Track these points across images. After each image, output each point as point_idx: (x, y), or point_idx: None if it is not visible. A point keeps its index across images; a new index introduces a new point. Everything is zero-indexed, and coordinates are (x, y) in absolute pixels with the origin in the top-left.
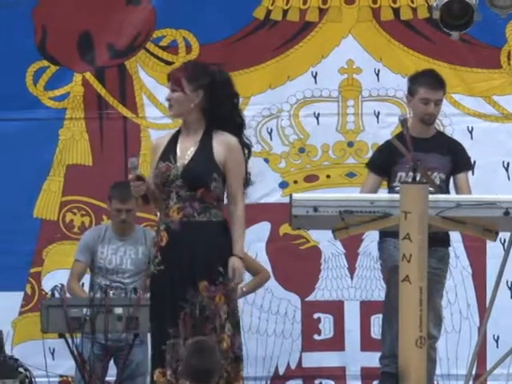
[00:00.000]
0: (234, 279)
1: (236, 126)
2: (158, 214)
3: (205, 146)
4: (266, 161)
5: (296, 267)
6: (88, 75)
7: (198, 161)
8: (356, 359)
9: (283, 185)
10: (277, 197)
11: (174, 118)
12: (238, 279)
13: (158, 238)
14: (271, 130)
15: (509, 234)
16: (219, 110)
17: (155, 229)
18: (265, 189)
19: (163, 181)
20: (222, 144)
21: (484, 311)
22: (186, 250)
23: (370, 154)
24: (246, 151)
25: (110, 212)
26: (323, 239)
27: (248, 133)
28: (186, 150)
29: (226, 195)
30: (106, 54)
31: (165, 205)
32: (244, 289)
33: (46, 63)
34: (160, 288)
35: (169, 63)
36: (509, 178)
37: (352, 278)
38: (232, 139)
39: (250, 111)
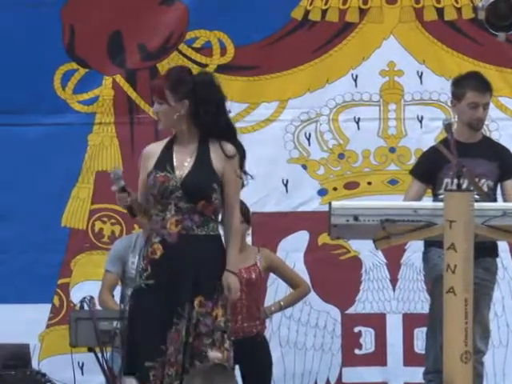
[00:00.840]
0: (229, 296)
1: (227, 130)
2: (151, 225)
3: (203, 156)
4: (304, 167)
5: (335, 278)
6: (118, 78)
7: (198, 171)
8: (398, 374)
9: (322, 192)
10: (315, 205)
11: None
12: (234, 296)
13: (149, 251)
14: (309, 135)
15: None
16: (205, 115)
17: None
18: (303, 196)
19: (161, 192)
20: (220, 153)
21: None
22: (182, 264)
23: (412, 161)
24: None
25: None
26: (364, 249)
27: (286, 138)
28: (184, 160)
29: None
30: (138, 56)
31: (161, 216)
32: (282, 303)
33: (74, 65)
34: (148, 303)
35: (202, 65)
36: None
37: (394, 289)
38: (229, 148)
39: (288, 115)
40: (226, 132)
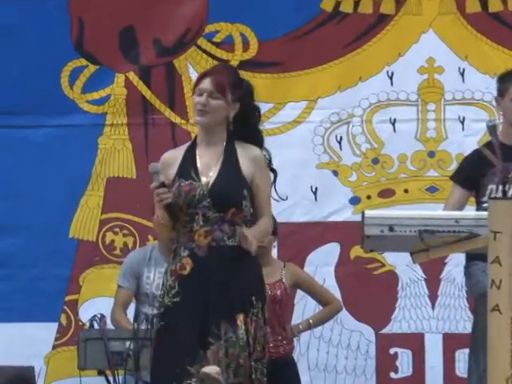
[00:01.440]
0: (248, 244)
1: (259, 139)
2: (176, 238)
3: (230, 160)
4: (335, 173)
5: (369, 295)
6: (131, 75)
7: (227, 177)
8: None
9: (354, 200)
10: (347, 214)
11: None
12: (251, 238)
13: (177, 266)
14: (341, 137)
15: None
16: (249, 122)
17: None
18: (333, 205)
19: (187, 202)
20: (248, 157)
21: None
22: (214, 279)
23: (453, 166)
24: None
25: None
26: (400, 263)
27: (315, 141)
28: (210, 166)
29: None
30: (152, 52)
31: (188, 228)
32: (311, 321)
33: (83, 62)
34: (178, 323)
35: (223, 61)
36: None
37: (433, 307)
38: (258, 152)
39: (317, 116)
40: (260, 141)
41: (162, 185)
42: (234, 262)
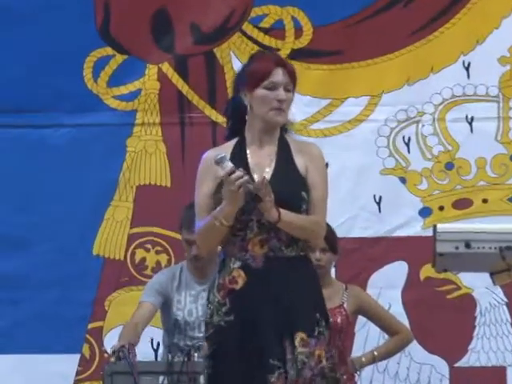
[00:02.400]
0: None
1: None
2: (224, 248)
3: (285, 159)
4: (403, 180)
5: (442, 322)
6: (165, 67)
7: (284, 178)
8: None
9: (425, 212)
10: (416, 228)
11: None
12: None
13: (227, 279)
14: (409, 139)
15: None
16: None
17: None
18: (400, 218)
19: (241, 207)
20: (304, 153)
21: None
22: (272, 294)
23: None
24: None
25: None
26: (479, 285)
27: (379, 142)
28: (264, 166)
29: None
30: (190, 39)
31: (240, 236)
32: (376, 353)
33: (109, 51)
34: (233, 345)
35: (272, 50)
36: None
37: None
38: (315, 148)
39: (381, 114)
40: None
41: (234, 171)
42: (293, 274)
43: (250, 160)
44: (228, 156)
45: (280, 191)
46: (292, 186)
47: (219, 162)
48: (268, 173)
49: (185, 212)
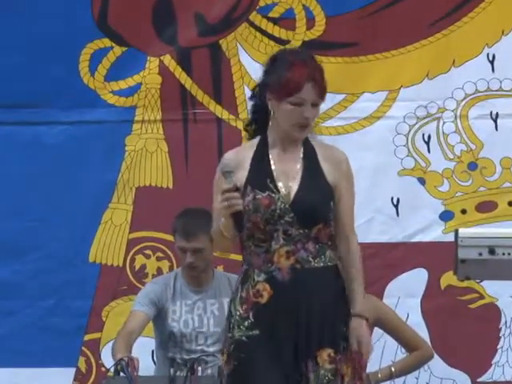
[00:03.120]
0: (360, 352)
1: None
2: (246, 259)
3: (312, 166)
4: (422, 181)
5: (464, 334)
6: (167, 59)
7: (311, 187)
8: None
9: (446, 216)
10: (437, 233)
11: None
12: (366, 351)
13: (250, 293)
14: (429, 137)
15: None
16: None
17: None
18: (420, 222)
19: (267, 218)
20: (331, 160)
21: None
22: (299, 308)
23: None
24: None
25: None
26: (503, 294)
27: (397, 141)
28: (288, 173)
29: None
30: (194, 30)
31: (264, 248)
32: (393, 369)
33: (107, 43)
34: (256, 361)
35: (282, 42)
36: None
37: None
38: (342, 154)
39: (399, 110)
40: None
41: (236, 189)
42: (321, 286)
43: (273, 167)
44: (248, 160)
45: (309, 202)
46: (321, 196)
47: (224, 173)
48: (295, 181)
49: (178, 219)
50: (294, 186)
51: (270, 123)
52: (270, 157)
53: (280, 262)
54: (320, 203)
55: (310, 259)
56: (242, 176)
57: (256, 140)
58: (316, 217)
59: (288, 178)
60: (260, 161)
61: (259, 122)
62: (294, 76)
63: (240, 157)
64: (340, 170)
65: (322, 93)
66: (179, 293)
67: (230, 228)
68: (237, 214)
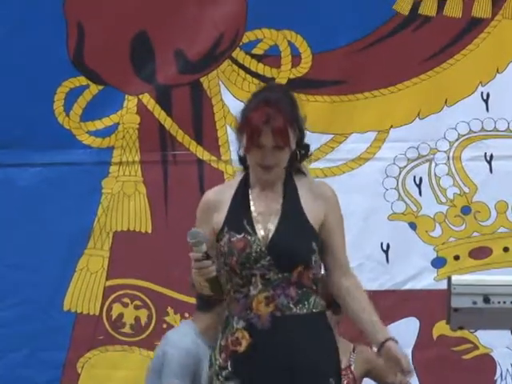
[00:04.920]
0: (407, 372)
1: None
2: (227, 305)
3: (292, 205)
4: (413, 226)
5: None
6: (146, 98)
7: (289, 227)
8: None
9: (438, 262)
10: (428, 280)
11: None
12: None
13: (229, 340)
14: (420, 179)
15: None
16: (302, 144)
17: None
18: (410, 268)
19: (242, 261)
20: (315, 196)
21: None
22: (279, 358)
23: None
24: None
25: None
26: (499, 344)
27: (386, 184)
28: (268, 212)
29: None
30: (174, 67)
31: (242, 293)
32: None
33: (83, 81)
34: None
35: (266, 80)
36: None
37: None
38: (327, 188)
39: (390, 151)
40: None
41: (206, 256)
42: (303, 335)
43: (252, 208)
44: (228, 200)
45: (286, 243)
46: (300, 237)
47: (191, 241)
48: (273, 221)
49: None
50: (272, 228)
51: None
52: (250, 197)
53: (259, 308)
54: (298, 244)
55: (292, 306)
56: (221, 218)
57: (237, 179)
58: (294, 259)
59: (266, 219)
60: (239, 201)
61: (244, 160)
62: (252, 119)
63: (220, 197)
64: (327, 204)
65: (280, 135)
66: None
67: (205, 288)
68: (213, 278)
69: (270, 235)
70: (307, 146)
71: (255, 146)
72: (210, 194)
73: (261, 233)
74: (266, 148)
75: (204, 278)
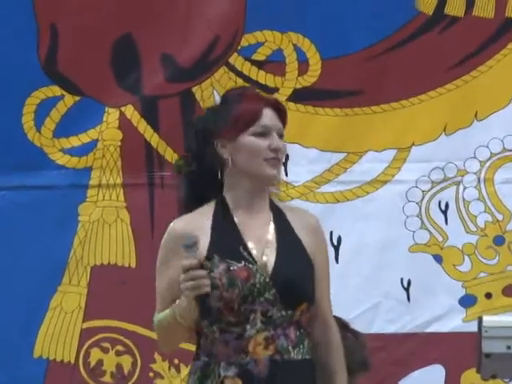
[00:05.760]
0: None
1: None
2: (204, 349)
3: (286, 231)
4: (438, 259)
5: None
6: (130, 111)
7: (292, 257)
8: None
9: (467, 301)
10: (456, 322)
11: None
12: None
13: None
14: (446, 205)
15: None
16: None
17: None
18: (435, 308)
19: (245, 294)
20: (304, 227)
21: None
22: None
23: None
24: None
25: None
26: None
27: (407, 210)
28: (263, 240)
29: None
30: (162, 75)
31: (235, 333)
32: None
33: (56, 91)
34: None
35: (269, 90)
36: None
37: None
38: (314, 219)
39: (411, 173)
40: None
41: (200, 266)
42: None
43: (242, 233)
44: (206, 228)
45: (292, 276)
46: (304, 270)
47: (187, 247)
48: (271, 249)
49: None
50: (271, 256)
51: (227, 179)
52: (236, 221)
53: (256, 352)
54: (304, 277)
55: (290, 349)
56: (201, 248)
57: (207, 207)
58: (301, 294)
59: (263, 246)
60: (224, 227)
61: (203, 189)
62: (249, 104)
63: (192, 225)
64: (316, 239)
65: (284, 120)
66: None
67: (191, 313)
68: (201, 298)
69: (271, 264)
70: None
71: (259, 133)
72: (178, 224)
73: (260, 260)
74: (271, 132)
75: (195, 294)
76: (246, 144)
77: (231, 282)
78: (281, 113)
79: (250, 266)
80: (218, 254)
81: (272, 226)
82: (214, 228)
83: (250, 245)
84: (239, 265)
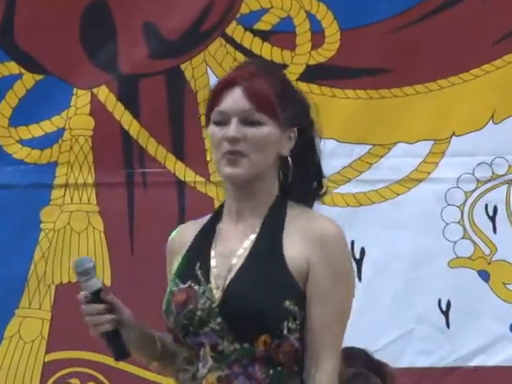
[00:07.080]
0: None
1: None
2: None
3: (268, 243)
4: (484, 276)
5: None
6: (104, 93)
7: (259, 275)
8: None
9: None
10: (506, 353)
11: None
12: None
13: None
14: (495, 210)
15: None
16: (306, 165)
17: None
18: (481, 336)
19: (183, 323)
20: (306, 236)
21: None
22: None
23: None
24: None
25: None
26: None
27: (446, 215)
28: (230, 254)
29: None
30: (143, 49)
31: (189, 372)
32: None
33: (13, 68)
34: None
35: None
36: None
37: None
38: (329, 227)
39: (450, 170)
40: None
41: (96, 296)
42: None
43: (214, 246)
44: (191, 240)
45: (244, 299)
46: (266, 291)
47: (82, 274)
48: (236, 264)
49: None
50: (230, 275)
51: None
52: (217, 232)
53: None
54: (265, 302)
55: None
56: (179, 256)
57: (213, 214)
58: (253, 324)
59: (229, 262)
60: (202, 237)
61: None
62: (216, 85)
63: (186, 234)
64: (319, 251)
65: (258, 99)
66: None
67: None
68: (113, 334)
69: (225, 286)
70: (319, 171)
71: (216, 122)
72: (174, 233)
73: (215, 281)
74: (229, 118)
75: (95, 334)
76: (210, 136)
77: (167, 308)
78: (253, 90)
79: (196, 287)
80: (176, 271)
81: (252, 238)
82: (195, 238)
83: (213, 261)
84: (183, 285)
